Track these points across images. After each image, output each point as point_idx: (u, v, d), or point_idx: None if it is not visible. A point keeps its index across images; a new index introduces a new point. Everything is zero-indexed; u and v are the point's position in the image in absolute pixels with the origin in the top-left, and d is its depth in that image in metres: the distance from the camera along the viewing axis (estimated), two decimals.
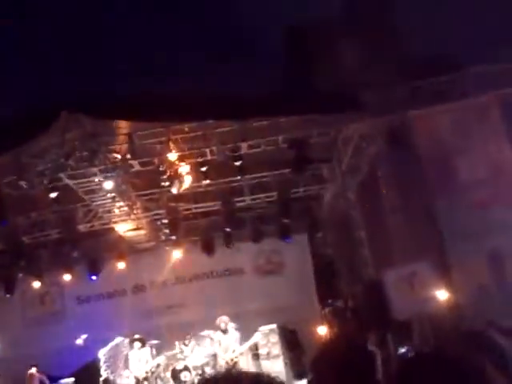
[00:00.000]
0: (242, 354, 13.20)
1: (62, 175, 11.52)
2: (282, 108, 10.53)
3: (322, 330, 14.41)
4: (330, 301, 14.42)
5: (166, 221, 14.79)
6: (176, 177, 11.78)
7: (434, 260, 10.27)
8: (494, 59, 11.03)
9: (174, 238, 15.30)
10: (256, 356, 14.22)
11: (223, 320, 13.03)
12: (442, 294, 10.22)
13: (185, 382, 13.36)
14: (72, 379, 14.54)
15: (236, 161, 11.92)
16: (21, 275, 15.52)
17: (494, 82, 10.34)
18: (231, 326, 13.03)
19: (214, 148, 11.72)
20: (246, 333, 13.45)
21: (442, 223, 10.28)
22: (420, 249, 10.61)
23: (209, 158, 11.89)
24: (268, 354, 14.19)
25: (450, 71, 11.19)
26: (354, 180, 13.36)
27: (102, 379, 14.57)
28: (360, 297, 13.53)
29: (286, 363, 14.07)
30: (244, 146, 11.82)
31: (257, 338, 13.87)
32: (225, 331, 12.98)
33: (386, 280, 11.04)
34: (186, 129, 11.33)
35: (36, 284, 15.96)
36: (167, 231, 15.20)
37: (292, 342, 14.43)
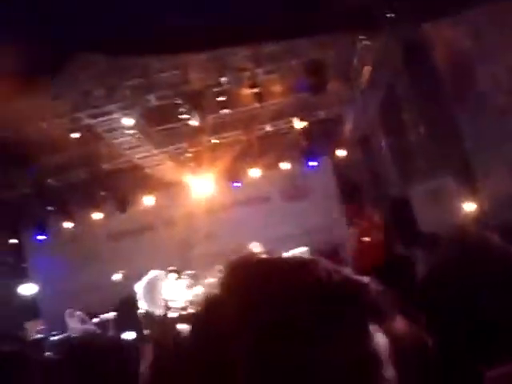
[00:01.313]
0: None
1: (81, 115, 11.55)
2: (293, 30, 10.31)
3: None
4: (356, 220, 14.47)
5: (189, 154, 14.88)
6: (194, 108, 11.75)
7: (459, 172, 10.21)
8: None
9: (198, 170, 15.42)
10: None
11: (255, 245, 13.21)
12: (468, 206, 10.21)
13: None
14: (112, 314, 14.94)
15: (253, 88, 11.83)
16: (52, 217, 15.83)
17: None
18: (263, 251, 13.24)
19: (230, 76, 11.62)
20: None
21: (465, 134, 10.16)
22: (444, 162, 10.54)
23: (225, 87, 11.79)
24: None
25: None
26: (374, 98, 13.18)
27: (140, 312, 15.01)
28: (386, 213, 13.58)
29: None
30: (260, 72, 11.69)
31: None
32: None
33: (412, 195, 11.05)
34: (201, 58, 11.23)
35: (67, 224, 16.28)
36: (191, 164, 15.30)
37: None
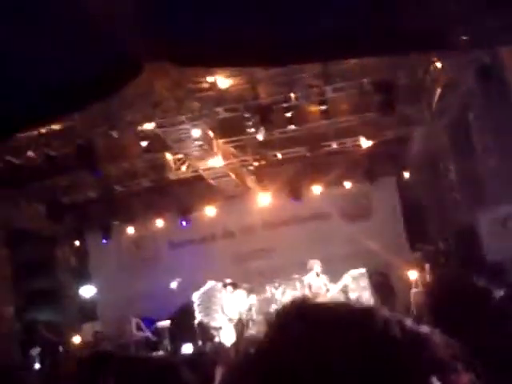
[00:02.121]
0: (332, 297, 13.30)
1: (150, 124, 11.77)
2: (366, 48, 10.24)
3: (413, 275, 14.25)
4: (420, 244, 14.19)
5: (252, 167, 14.94)
6: (261, 123, 11.79)
7: None
8: None
9: (261, 184, 15.47)
10: (346, 300, 14.30)
11: (315, 263, 13.13)
12: None
13: None
14: (168, 322, 15.08)
15: (321, 105, 11.81)
16: (116, 222, 16.16)
17: None
18: (321, 270, 13.13)
19: (298, 92, 11.63)
20: (334, 277, 13.52)
21: None
22: None
23: (293, 102, 11.80)
24: (358, 298, 14.23)
25: None
26: (444, 121, 12.94)
27: (196, 322, 15.12)
28: (452, 239, 13.28)
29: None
30: (329, 89, 11.66)
31: (347, 280, 13.92)
32: (317, 274, 13.10)
33: (479, 222, 10.77)
34: (270, 73, 11.29)
35: (130, 230, 16.57)
36: (254, 177, 15.36)
37: (383, 285, 14.39)
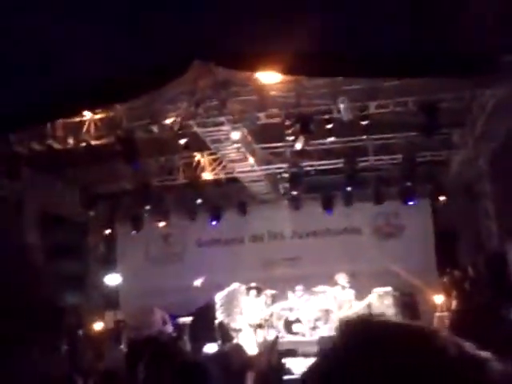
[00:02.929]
0: (356, 313, 13.22)
1: (191, 122, 11.84)
2: (415, 69, 10.15)
3: (439, 299, 14.10)
4: (448, 269, 14.03)
5: (287, 175, 14.93)
6: (301, 132, 11.77)
7: None
8: None
9: (293, 192, 15.45)
10: None
11: (342, 277, 13.07)
12: None
13: (296, 333, 13.63)
14: (189, 319, 15.15)
15: (363, 120, 11.75)
16: (147, 215, 16.28)
17: None
18: (348, 284, 13.06)
19: (341, 105, 11.58)
20: (359, 293, 13.45)
21: None
22: None
23: (335, 115, 11.76)
24: (381, 316, 14.12)
25: None
26: (487, 148, 12.77)
27: (217, 322, 15.14)
28: (482, 267, 13.09)
29: None
30: (372, 105, 11.60)
31: (372, 298, 13.83)
32: (343, 288, 13.04)
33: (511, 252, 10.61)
34: (316, 84, 11.27)
35: (160, 224, 16.69)
36: (288, 185, 15.35)
37: (408, 306, 14.25)
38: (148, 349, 3.18)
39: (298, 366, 10.34)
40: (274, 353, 10.63)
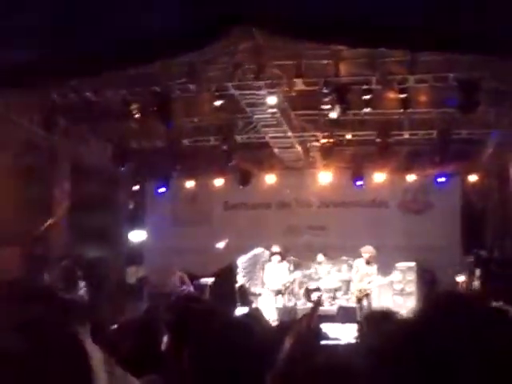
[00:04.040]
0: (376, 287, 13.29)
1: (228, 84, 11.83)
2: (460, 44, 9.99)
3: (460, 277, 14.09)
4: (474, 250, 13.97)
5: (319, 144, 14.88)
6: (338, 101, 11.69)
7: None
8: None
9: (324, 161, 15.42)
10: (389, 290, 14.26)
11: (369, 250, 13.08)
12: None
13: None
14: (211, 279, 15.30)
15: (401, 93, 11.64)
16: (176, 174, 16.35)
17: None
18: (374, 258, 13.07)
19: (380, 77, 11.47)
20: (382, 267, 13.49)
21: None
22: None
23: (373, 86, 11.66)
24: (402, 290, 14.17)
25: None
26: None
27: (237, 285, 15.31)
28: (508, 249, 13.04)
29: (419, 301, 13.97)
30: (411, 78, 11.47)
31: (395, 277, 13.87)
32: (368, 261, 13.06)
33: None
34: (356, 53, 11.18)
35: (189, 184, 16.78)
36: (319, 154, 15.32)
37: (427, 282, 14.26)
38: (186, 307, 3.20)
39: (333, 331, 10.39)
40: (314, 318, 10.72)
